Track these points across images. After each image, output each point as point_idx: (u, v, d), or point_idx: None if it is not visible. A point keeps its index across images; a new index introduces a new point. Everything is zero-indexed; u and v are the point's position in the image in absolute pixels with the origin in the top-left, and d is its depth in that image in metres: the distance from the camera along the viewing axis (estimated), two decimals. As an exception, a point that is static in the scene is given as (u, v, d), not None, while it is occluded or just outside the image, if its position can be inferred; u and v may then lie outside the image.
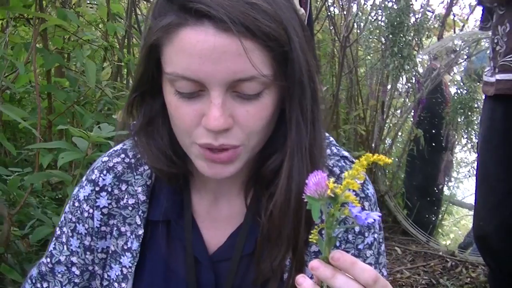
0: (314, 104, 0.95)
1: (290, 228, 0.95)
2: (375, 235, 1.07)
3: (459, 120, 4.45)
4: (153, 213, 1.08)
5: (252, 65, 0.84)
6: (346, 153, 1.11)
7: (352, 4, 3.91)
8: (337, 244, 1.04)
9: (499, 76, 2.05)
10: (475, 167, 5.73)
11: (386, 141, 4.95)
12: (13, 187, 1.85)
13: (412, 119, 4.63)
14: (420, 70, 5.06)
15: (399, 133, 5.02)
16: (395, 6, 3.10)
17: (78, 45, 2.33)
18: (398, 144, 5.35)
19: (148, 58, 0.93)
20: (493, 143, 2.19)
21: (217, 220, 1.10)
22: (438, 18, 3.99)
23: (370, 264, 1.07)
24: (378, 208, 1.11)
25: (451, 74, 5.20)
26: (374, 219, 0.69)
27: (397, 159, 5.04)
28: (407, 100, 4.49)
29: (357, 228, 1.05)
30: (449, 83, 5.12)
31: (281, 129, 0.96)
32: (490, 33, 2.24)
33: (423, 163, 4.71)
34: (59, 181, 2.40)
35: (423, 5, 3.34)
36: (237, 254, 1.06)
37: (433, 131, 4.72)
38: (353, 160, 1.11)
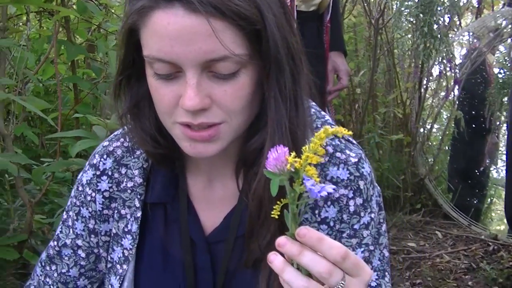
0: (295, 82, 0.94)
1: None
2: (372, 215, 1.06)
3: (503, 100, 4.33)
4: (150, 196, 1.11)
5: (222, 45, 0.84)
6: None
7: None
8: (331, 224, 1.03)
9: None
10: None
11: (427, 124, 4.86)
12: (37, 176, 1.91)
13: (448, 100, 4.52)
14: (464, 51, 4.95)
15: (440, 115, 4.92)
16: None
17: (102, 37, 2.37)
18: (440, 126, 5.26)
19: (127, 42, 0.95)
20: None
21: (212, 201, 1.11)
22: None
23: (367, 244, 1.06)
24: (376, 186, 1.10)
25: (495, 55, 5.05)
26: (328, 192, 0.68)
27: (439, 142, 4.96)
28: (442, 81, 4.40)
29: (351, 208, 1.03)
30: (493, 63, 4.98)
31: (264, 109, 0.96)
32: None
33: (463, 145, 4.60)
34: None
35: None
36: (231, 235, 1.07)
37: (473, 112, 4.60)
38: (349, 138, 1.10)
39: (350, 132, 0.69)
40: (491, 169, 5.24)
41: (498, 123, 4.85)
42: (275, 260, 0.75)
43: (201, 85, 0.88)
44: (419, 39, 3.01)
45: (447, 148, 5.06)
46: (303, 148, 0.71)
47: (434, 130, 5.19)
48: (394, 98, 4.48)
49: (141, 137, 1.03)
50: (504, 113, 4.62)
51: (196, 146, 0.94)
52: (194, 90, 0.87)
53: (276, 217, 0.73)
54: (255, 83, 0.93)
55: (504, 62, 4.30)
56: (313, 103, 1.11)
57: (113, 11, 2.75)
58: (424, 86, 4.32)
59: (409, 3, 3.08)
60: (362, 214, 1.04)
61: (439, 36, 2.98)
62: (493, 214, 6.12)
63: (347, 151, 1.05)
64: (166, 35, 0.85)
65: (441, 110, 4.95)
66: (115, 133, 1.18)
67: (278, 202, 0.74)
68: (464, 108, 4.56)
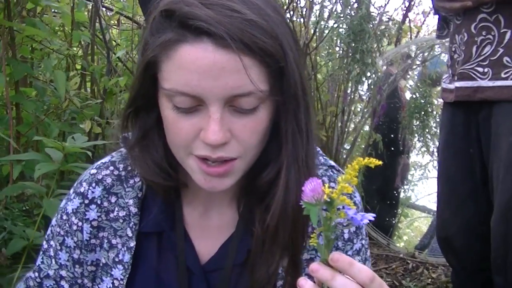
0: (308, 116, 0.98)
1: (287, 236, 0.98)
2: (363, 242, 1.12)
3: (415, 123, 4.56)
4: (144, 225, 1.09)
5: (251, 81, 0.87)
6: (332, 163, 1.15)
7: (311, 12, 3.97)
8: (329, 250, 1.07)
9: (458, 84, 2.11)
10: (429, 170, 5.81)
11: (346, 146, 5.00)
12: (-15, 199, 1.83)
13: (370, 124, 4.70)
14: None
15: (359, 138, 5.08)
16: (353, 13, 3.17)
17: (46, 54, 2.31)
18: (359, 148, 5.42)
19: (145, 74, 0.94)
20: (455, 147, 2.25)
21: (208, 230, 1.11)
22: (396, 24, 4.08)
23: None
24: None
25: (406, 79, 5.32)
26: (369, 220, 0.74)
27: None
28: (367, 105, 4.58)
29: (346, 235, 1.08)
30: (404, 88, 5.23)
31: (274, 141, 0.98)
32: (445, 41, 2.30)
33: (382, 167, 4.76)
34: (22, 193, 2.37)
35: (381, 12, 3.42)
36: (229, 264, 1.07)
37: (392, 135, 4.81)
38: (339, 169, 1.15)
39: (380, 162, 0.75)
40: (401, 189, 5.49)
41: (410, 145, 5.10)
42: (305, 284, 0.79)
43: (223, 120, 0.89)
44: (351, 65, 3.13)
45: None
46: (338, 178, 0.76)
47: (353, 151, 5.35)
48: (316, 121, 4.59)
49: (151, 168, 1.02)
50: (416, 136, 4.86)
51: (212, 180, 0.96)
52: (218, 124, 0.89)
53: (315, 245, 0.78)
54: (271, 118, 0.96)
55: (419, 88, 4.55)
56: None
57: (51, 28, 2.69)
58: (348, 110, 4.47)
59: (341, 30, 3.20)
60: (355, 241, 1.10)
61: (369, 62, 3.12)
62: (397, 232, 6.40)
63: None
64: (194, 69, 0.85)
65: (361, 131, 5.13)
66: (103, 161, 1.16)
67: (314, 231, 0.78)
68: (383, 131, 4.75)
